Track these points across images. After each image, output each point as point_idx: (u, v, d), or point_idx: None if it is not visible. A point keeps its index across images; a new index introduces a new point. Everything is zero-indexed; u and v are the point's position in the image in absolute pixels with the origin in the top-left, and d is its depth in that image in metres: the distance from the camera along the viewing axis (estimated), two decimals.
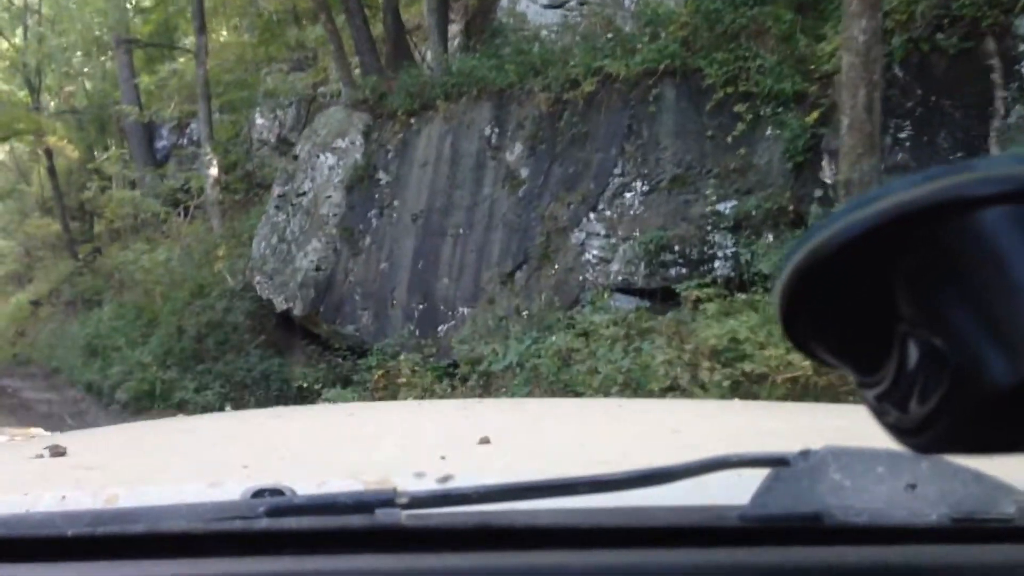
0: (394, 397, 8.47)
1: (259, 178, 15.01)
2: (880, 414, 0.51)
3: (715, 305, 6.57)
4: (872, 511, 0.85)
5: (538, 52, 9.74)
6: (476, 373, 7.63)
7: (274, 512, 0.85)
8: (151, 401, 10.97)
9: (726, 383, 5.04)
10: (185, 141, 19.24)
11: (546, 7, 10.85)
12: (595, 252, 8.51)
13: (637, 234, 8.20)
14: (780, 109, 7.80)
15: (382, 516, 0.83)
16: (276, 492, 0.94)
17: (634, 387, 5.66)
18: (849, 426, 1.19)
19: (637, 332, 6.34)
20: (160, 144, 20.15)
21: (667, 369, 5.52)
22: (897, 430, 0.50)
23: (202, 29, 15.37)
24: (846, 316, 0.50)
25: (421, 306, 9.66)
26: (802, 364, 5.00)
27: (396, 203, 10.21)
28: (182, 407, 10.51)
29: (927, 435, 0.47)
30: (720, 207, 7.91)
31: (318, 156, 10.87)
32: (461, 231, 9.55)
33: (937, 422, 0.46)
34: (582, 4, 10.54)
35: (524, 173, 9.23)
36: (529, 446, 1.56)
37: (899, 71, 7.07)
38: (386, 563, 0.82)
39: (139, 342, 12.15)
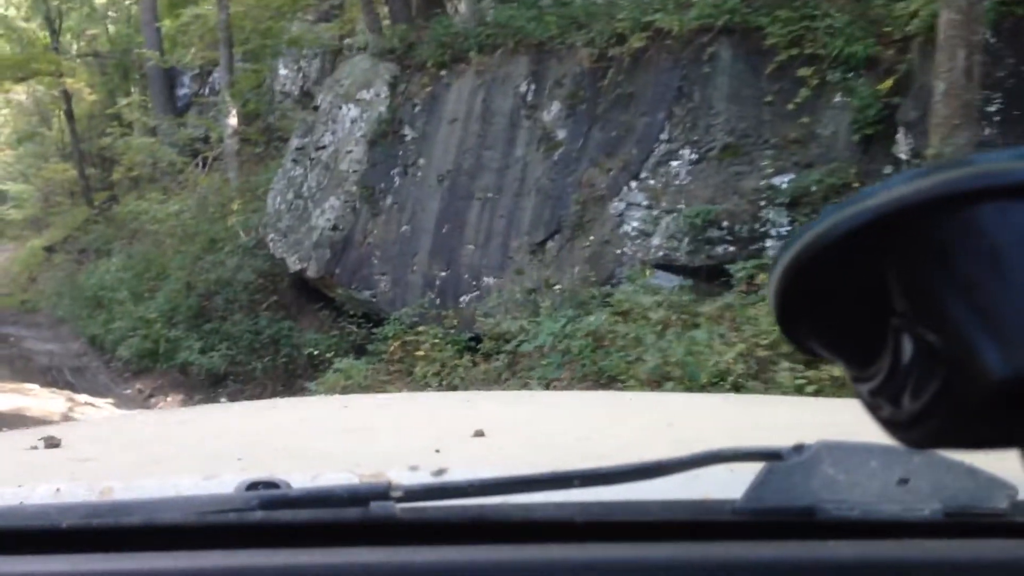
0: (411, 371, 7.89)
1: (280, 132, 14.56)
2: (873, 409, 0.50)
3: None
4: (865, 505, 0.87)
5: (581, 3, 9.05)
6: (503, 352, 6.98)
7: (268, 505, 0.86)
8: (153, 360, 10.47)
9: (810, 388, 4.34)
10: (207, 91, 18.96)
11: None
12: (635, 224, 7.88)
13: (682, 207, 7.55)
14: (849, 75, 7.12)
15: (376, 509, 0.84)
16: (270, 485, 0.93)
17: (688, 382, 4.96)
18: (842, 421, 1.10)
19: (690, 316, 5.64)
20: (181, 92, 19.82)
21: (734, 362, 4.81)
22: (890, 425, 0.49)
23: None
24: (841, 311, 0.50)
25: (443, 274, 9.07)
26: None
27: (421, 162, 9.58)
28: (185, 369, 9.99)
29: (920, 430, 0.47)
30: (776, 181, 7.24)
31: (340, 108, 10.24)
32: (490, 195, 8.94)
33: (930, 417, 0.46)
34: None
35: (561, 135, 8.60)
36: (523, 439, 1.56)
37: (991, 37, 6.29)
38: (380, 556, 0.83)
39: (145, 296, 11.63)
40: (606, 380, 6.27)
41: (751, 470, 0.89)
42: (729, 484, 0.89)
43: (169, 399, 9.50)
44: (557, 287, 7.73)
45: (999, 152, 0.44)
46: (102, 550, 0.82)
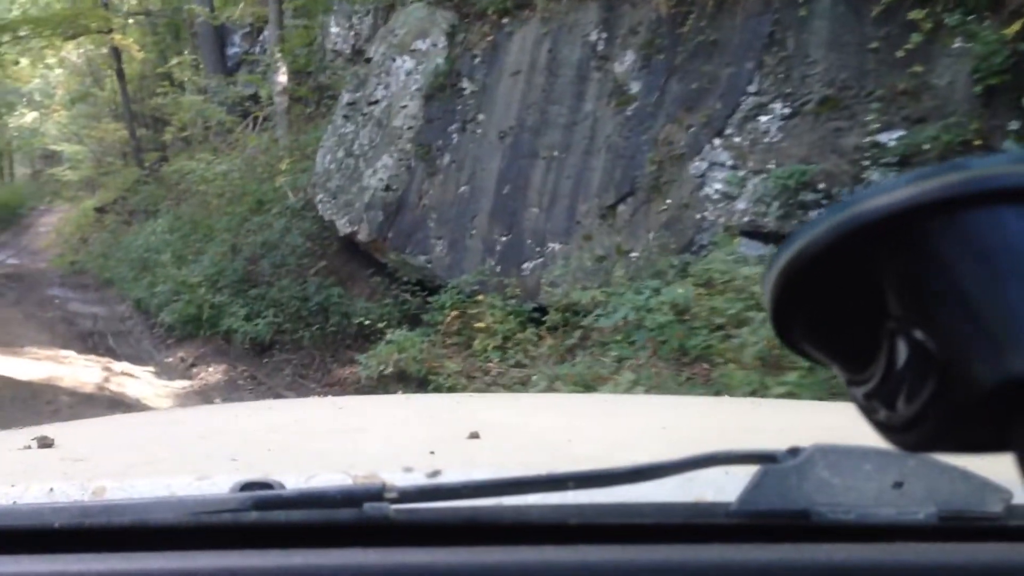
0: (469, 344, 7.27)
1: (331, 91, 14.08)
2: (868, 412, 0.51)
3: None
4: (859, 509, 0.88)
5: None
6: (575, 326, 6.30)
7: (262, 505, 0.86)
8: (197, 327, 9.99)
9: None
10: (257, 49, 18.83)
11: None
12: (718, 186, 7.17)
13: (772, 167, 6.83)
14: (970, 17, 6.26)
15: (370, 510, 0.85)
16: (264, 485, 0.93)
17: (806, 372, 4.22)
18: (837, 424, 1.08)
19: None
20: (231, 51, 19.61)
21: None
22: (885, 428, 0.49)
23: None
24: (835, 315, 0.50)
25: (504, 238, 8.42)
26: None
27: (481, 117, 8.91)
28: (229, 337, 9.49)
29: (915, 433, 0.47)
30: (882, 138, 6.47)
31: (394, 59, 9.58)
32: (556, 153, 8.26)
33: (925, 420, 0.46)
34: None
35: (635, 88, 7.86)
36: (518, 441, 1.55)
37: None
38: (374, 557, 0.83)
39: (190, 259, 11.17)
40: (689, 361, 5.58)
41: (746, 473, 0.89)
42: (724, 487, 0.90)
43: (211, 369, 9.00)
44: (633, 254, 7.02)
45: (994, 156, 0.44)
46: (95, 550, 0.83)
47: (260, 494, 0.88)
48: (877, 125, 6.50)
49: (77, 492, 1.00)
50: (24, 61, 24.88)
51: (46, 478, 1.07)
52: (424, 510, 0.87)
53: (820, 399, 3.72)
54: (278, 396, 7.75)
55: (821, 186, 6.62)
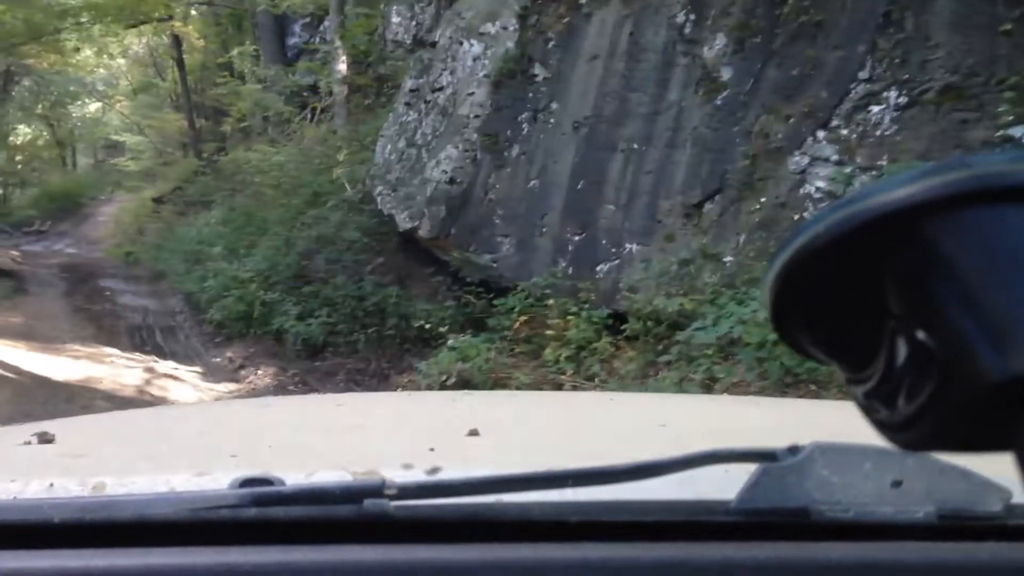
0: (539, 353, 6.68)
1: (392, 81, 13.81)
2: (868, 411, 0.50)
3: None
4: (859, 507, 0.87)
5: None
6: (659, 337, 5.64)
7: (262, 502, 0.86)
8: (247, 325, 9.56)
9: None
10: (318, 39, 18.63)
11: None
12: (821, 184, 6.62)
13: (884, 163, 6.27)
14: None
15: (370, 507, 0.85)
16: (264, 482, 0.91)
17: None
18: (837, 422, 1.01)
19: None
20: (292, 41, 19.51)
21: None
22: (885, 427, 0.49)
23: None
24: (836, 313, 0.50)
25: (577, 237, 7.89)
26: None
27: (554, 106, 8.38)
28: (281, 337, 9.01)
29: (915, 432, 0.47)
30: (1016, 131, 5.88)
31: (461, 43, 9.06)
32: (636, 146, 7.70)
33: (925, 419, 0.46)
34: None
35: (726, 75, 7.28)
36: (518, 438, 1.56)
37: None
38: (373, 554, 0.83)
39: (242, 253, 10.78)
40: (793, 382, 4.88)
41: (745, 471, 0.88)
42: (724, 485, 0.89)
43: (260, 371, 8.53)
44: (727, 259, 6.35)
45: (996, 155, 0.43)
46: (95, 546, 0.83)
47: (260, 490, 0.88)
48: (1010, 117, 5.93)
49: (77, 488, 1.00)
50: (88, 51, 25.06)
51: (46, 474, 1.07)
52: (424, 507, 0.87)
53: None
54: None
55: None
